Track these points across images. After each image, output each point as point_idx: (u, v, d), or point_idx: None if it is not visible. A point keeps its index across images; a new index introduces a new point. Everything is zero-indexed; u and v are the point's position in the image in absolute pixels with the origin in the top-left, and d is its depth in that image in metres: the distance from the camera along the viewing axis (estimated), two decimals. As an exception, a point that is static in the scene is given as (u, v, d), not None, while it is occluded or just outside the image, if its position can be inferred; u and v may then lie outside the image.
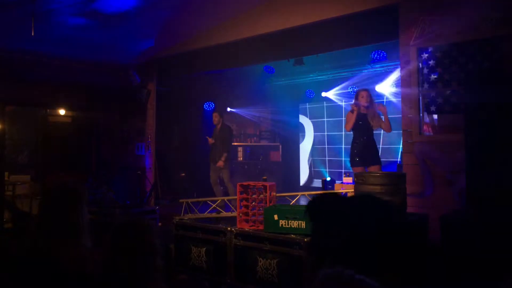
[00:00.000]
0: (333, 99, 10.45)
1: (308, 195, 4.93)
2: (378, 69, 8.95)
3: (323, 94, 10.52)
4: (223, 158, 7.33)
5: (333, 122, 10.70)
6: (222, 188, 7.66)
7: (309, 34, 6.43)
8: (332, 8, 5.83)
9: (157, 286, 1.80)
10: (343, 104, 10.41)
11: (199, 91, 9.86)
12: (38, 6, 5.54)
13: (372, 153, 5.48)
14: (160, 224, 6.38)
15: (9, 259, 2.06)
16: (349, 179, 7.57)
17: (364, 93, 5.54)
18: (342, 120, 10.46)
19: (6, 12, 5.87)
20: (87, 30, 6.78)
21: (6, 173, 7.48)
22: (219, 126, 7.62)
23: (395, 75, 8.56)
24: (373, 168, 5.34)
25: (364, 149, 5.45)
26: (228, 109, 10.93)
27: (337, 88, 10.14)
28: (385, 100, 9.66)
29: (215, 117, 7.66)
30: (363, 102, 5.48)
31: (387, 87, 9.24)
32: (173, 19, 6.73)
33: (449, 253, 3.81)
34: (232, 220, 4.49)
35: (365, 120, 5.47)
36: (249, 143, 10.97)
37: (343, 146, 10.35)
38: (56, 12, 5.99)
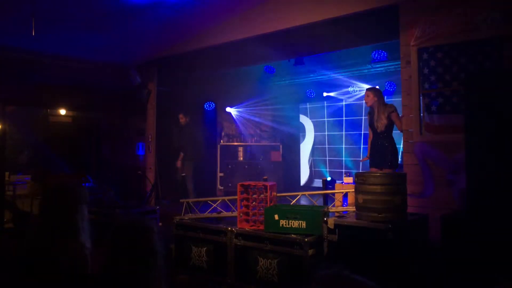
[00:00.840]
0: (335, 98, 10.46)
1: (309, 195, 4.93)
2: (378, 69, 8.95)
3: (325, 94, 10.52)
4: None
5: (334, 122, 10.69)
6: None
7: (310, 34, 6.43)
8: (333, 8, 5.82)
9: (158, 286, 1.80)
10: (343, 104, 10.42)
11: (199, 91, 9.85)
12: (39, 5, 5.54)
13: (383, 158, 5.41)
14: (160, 224, 6.38)
15: (9, 259, 2.06)
16: (350, 179, 7.55)
17: (367, 93, 5.59)
18: (342, 120, 10.46)
19: (7, 11, 5.87)
20: (88, 29, 6.78)
21: (7, 173, 7.48)
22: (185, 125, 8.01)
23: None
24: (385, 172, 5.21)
25: (376, 152, 5.49)
26: (228, 109, 10.94)
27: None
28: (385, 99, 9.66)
29: (181, 118, 7.96)
30: (367, 102, 5.54)
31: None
32: (173, 19, 6.73)
33: (450, 253, 3.81)
34: (232, 220, 4.49)
35: (373, 123, 5.50)
36: (249, 143, 10.96)
37: (343, 146, 10.35)
38: (57, 12, 5.99)
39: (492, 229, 3.50)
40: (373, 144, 5.54)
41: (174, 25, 6.96)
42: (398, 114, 5.36)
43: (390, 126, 5.41)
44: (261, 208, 4.19)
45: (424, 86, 5.02)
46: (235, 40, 6.95)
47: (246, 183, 4.36)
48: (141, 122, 8.97)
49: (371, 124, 5.55)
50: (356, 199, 3.81)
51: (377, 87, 5.89)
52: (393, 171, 5.30)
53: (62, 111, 8.92)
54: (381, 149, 5.43)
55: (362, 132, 9.97)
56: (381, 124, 5.38)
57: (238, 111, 11.08)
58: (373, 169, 5.50)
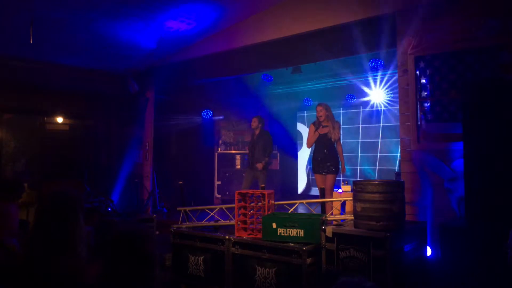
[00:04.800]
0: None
1: (307, 203, 4.91)
2: (375, 77, 8.98)
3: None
4: (263, 162, 7.49)
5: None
6: None
7: (307, 43, 6.46)
8: (330, 17, 5.86)
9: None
10: (340, 111, 10.43)
11: (197, 99, 9.86)
12: (37, 13, 5.55)
13: (327, 164, 6.17)
14: (157, 232, 6.34)
15: (5, 269, 2.03)
16: (348, 187, 7.55)
17: (318, 108, 6.28)
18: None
19: (5, 18, 5.88)
20: (85, 37, 6.80)
21: (3, 181, 7.43)
22: (257, 132, 7.73)
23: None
24: (329, 177, 6.18)
25: (323, 159, 6.20)
26: (226, 117, 10.94)
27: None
28: (382, 108, 9.69)
29: (254, 122, 7.76)
30: (319, 116, 6.25)
31: (381, 96, 9.31)
32: (171, 27, 6.75)
33: (448, 262, 3.80)
34: (230, 229, 4.46)
35: (325, 134, 6.20)
36: (247, 151, 10.94)
37: (341, 154, 10.34)
38: (55, 20, 6.00)
39: (491, 238, 3.50)
40: (319, 152, 6.26)
41: (172, 33, 6.98)
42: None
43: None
44: (259, 217, 4.17)
45: (422, 94, 5.04)
46: (232, 48, 6.97)
47: (244, 191, 4.35)
48: (138, 130, 8.95)
49: (323, 135, 6.23)
50: (354, 207, 3.80)
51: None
52: (333, 177, 6.17)
53: (59, 119, 8.90)
54: (328, 157, 6.21)
55: (360, 140, 9.97)
56: (335, 136, 6.19)
57: (235, 119, 11.07)
58: (317, 175, 6.30)
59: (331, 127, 6.20)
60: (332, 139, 6.21)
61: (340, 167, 6.32)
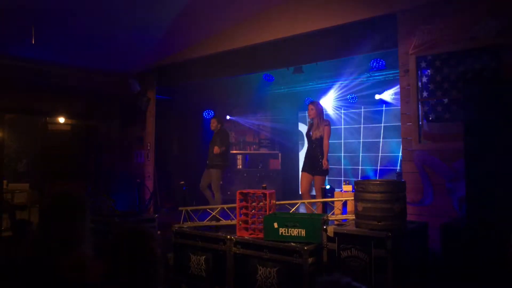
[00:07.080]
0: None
1: (308, 203, 4.93)
2: (377, 77, 8.98)
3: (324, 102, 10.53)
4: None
5: (332, 130, 10.66)
6: (211, 193, 7.59)
7: (309, 43, 6.47)
8: (332, 17, 5.86)
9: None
10: (342, 112, 10.45)
11: (198, 99, 9.87)
12: (39, 14, 5.57)
13: (315, 165, 5.97)
14: (159, 232, 6.35)
15: (10, 268, 2.05)
16: (349, 187, 7.55)
17: (310, 106, 6.27)
18: (341, 128, 10.48)
19: (8, 20, 5.89)
20: (87, 37, 6.81)
21: (5, 182, 7.46)
22: (216, 131, 7.62)
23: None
24: (317, 179, 5.93)
25: (309, 159, 6.08)
26: (228, 117, 10.95)
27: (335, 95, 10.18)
28: (384, 108, 9.70)
29: (213, 123, 7.64)
30: (310, 114, 6.21)
31: (387, 95, 9.31)
32: (173, 28, 6.76)
33: (449, 262, 3.81)
34: (231, 228, 4.47)
35: (309, 132, 6.16)
36: (248, 151, 10.96)
37: (342, 154, 10.35)
38: (57, 20, 6.02)
39: (492, 238, 3.50)
40: (308, 151, 6.17)
41: (174, 33, 6.99)
42: (329, 129, 6.12)
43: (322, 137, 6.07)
44: (260, 216, 4.18)
45: (423, 94, 5.04)
46: (234, 48, 6.98)
47: (245, 191, 4.35)
48: (140, 130, 8.97)
49: (308, 133, 6.19)
50: (355, 207, 3.81)
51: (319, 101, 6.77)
52: (322, 179, 5.96)
53: (61, 119, 8.92)
54: (314, 157, 6.02)
55: (361, 140, 9.98)
56: (317, 133, 6.06)
57: (237, 119, 11.09)
58: (304, 173, 6.06)
59: (316, 124, 6.14)
60: (313, 137, 6.08)
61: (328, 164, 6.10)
